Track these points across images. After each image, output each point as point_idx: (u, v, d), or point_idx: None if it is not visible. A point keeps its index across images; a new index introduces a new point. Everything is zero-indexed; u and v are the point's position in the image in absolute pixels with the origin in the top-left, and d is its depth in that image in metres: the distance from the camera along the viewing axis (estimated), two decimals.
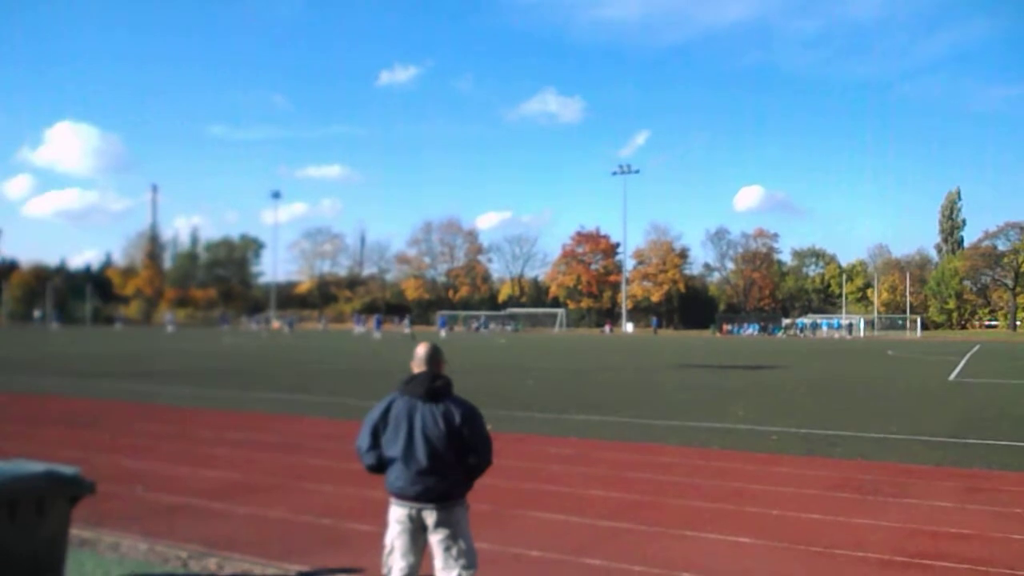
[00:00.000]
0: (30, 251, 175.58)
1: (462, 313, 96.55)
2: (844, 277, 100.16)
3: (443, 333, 69.63)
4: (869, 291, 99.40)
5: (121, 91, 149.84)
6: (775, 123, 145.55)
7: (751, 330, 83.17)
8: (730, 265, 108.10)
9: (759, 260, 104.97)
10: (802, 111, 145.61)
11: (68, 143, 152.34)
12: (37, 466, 4.05)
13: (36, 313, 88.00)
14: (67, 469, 4.14)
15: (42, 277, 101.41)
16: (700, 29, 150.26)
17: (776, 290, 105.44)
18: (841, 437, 12.10)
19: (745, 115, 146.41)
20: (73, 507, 4.20)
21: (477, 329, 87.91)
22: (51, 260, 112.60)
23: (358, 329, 73.26)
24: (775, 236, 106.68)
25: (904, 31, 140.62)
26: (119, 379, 21.11)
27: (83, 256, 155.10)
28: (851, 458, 10.35)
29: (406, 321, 68.17)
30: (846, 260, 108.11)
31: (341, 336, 63.04)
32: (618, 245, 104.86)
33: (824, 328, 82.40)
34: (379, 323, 66.39)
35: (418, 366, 4.20)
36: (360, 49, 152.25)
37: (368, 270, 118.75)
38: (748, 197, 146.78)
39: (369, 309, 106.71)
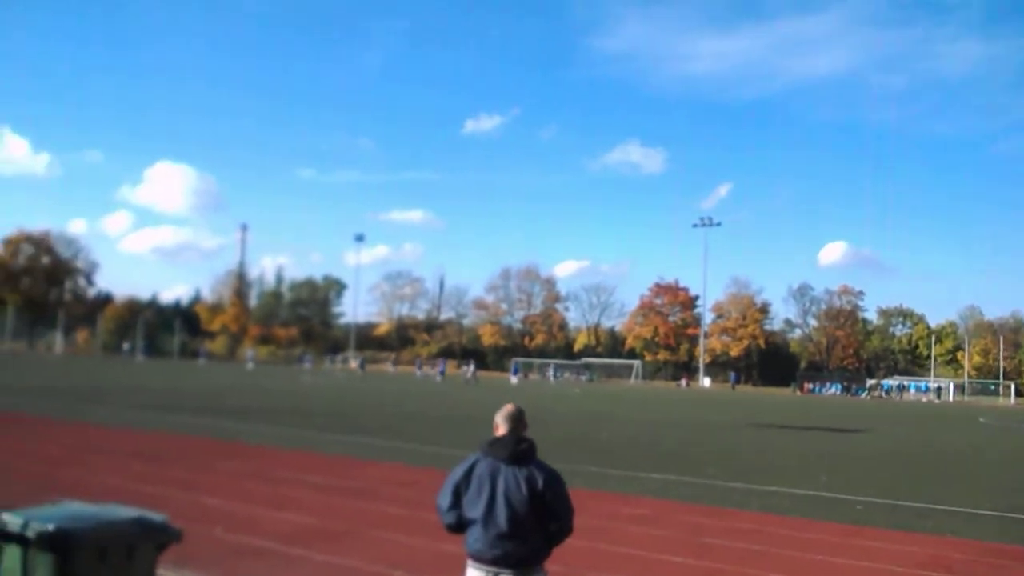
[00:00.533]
0: (125, 285, 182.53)
1: (537, 361, 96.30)
2: (933, 338, 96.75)
3: (515, 380, 69.35)
4: (959, 354, 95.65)
5: (218, 133, 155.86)
6: (862, 179, 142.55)
7: (833, 390, 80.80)
8: (812, 322, 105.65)
9: (843, 318, 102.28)
10: (890, 167, 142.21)
11: (167, 182, 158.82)
12: (128, 512, 4.16)
13: (125, 345, 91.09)
14: (156, 516, 4.24)
15: (134, 310, 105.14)
16: (786, 83, 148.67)
17: (860, 349, 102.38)
18: (931, 510, 11.60)
19: (831, 170, 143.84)
20: (160, 553, 4.29)
21: (551, 378, 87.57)
22: (143, 294, 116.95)
23: (419, 372, 76.18)
24: (860, 294, 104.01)
25: (996, 88, 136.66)
26: (201, 414, 21.61)
27: (174, 291, 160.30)
28: (941, 534, 9.90)
29: (470, 367, 68.25)
30: (935, 321, 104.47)
31: (406, 379, 63.56)
32: (697, 298, 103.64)
33: (912, 391, 79.48)
34: (443, 369, 68.18)
35: (501, 427, 4.18)
36: (447, 98, 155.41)
37: (446, 314, 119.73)
38: (832, 253, 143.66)
39: (445, 353, 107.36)
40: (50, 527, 3.86)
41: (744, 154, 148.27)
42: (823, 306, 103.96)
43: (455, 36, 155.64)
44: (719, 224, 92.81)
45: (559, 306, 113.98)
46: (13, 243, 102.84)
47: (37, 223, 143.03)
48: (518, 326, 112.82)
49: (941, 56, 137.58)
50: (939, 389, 77.87)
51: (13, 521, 3.94)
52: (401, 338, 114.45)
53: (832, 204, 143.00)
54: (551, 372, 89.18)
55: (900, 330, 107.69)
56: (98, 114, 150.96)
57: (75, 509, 4.10)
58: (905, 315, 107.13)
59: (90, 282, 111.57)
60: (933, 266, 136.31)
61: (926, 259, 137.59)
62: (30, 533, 3.87)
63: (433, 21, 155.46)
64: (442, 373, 65.97)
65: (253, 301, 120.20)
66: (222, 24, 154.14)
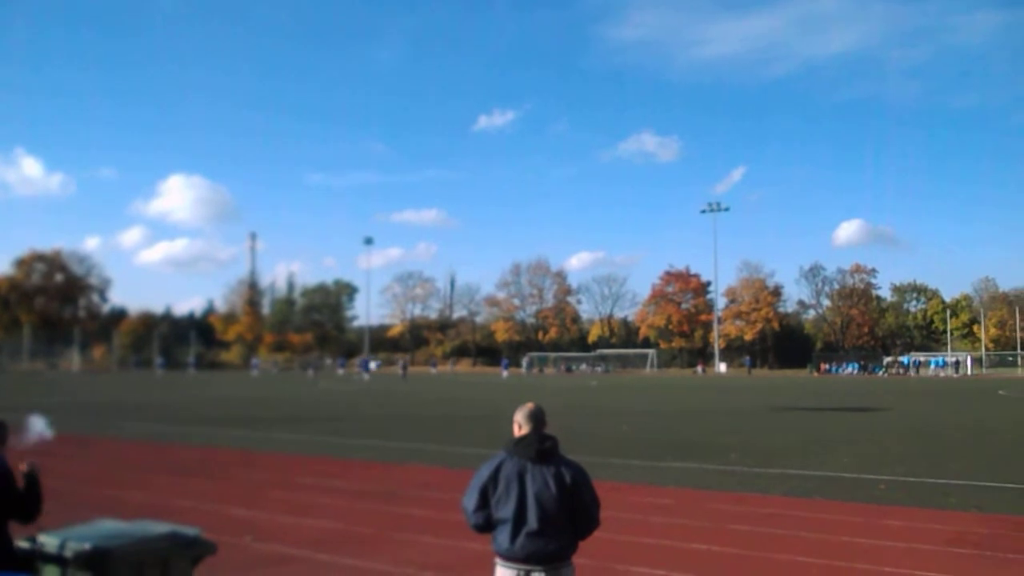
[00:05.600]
0: (139, 299, 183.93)
1: (552, 355, 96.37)
2: (948, 313, 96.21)
3: (505, 374, 69.23)
4: (976, 327, 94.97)
5: (228, 142, 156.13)
6: (878, 155, 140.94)
7: (850, 369, 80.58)
8: (826, 302, 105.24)
9: (856, 296, 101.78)
10: (907, 142, 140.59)
11: (180, 195, 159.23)
12: (161, 528, 4.23)
13: (134, 359, 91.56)
14: (189, 530, 4.30)
15: (149, 324, 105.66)
16: (801, 62, 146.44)
17: (875, 327, 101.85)
18: (954, 487, 11.59)
19: (846, 148, 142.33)
20: (195, 566, 4.36)
21: (568, 370, 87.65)
22: (158, 307, 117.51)
23: (434, 371, 77.58)
24: (873, 271, 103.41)
25: (1016, 58, 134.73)
26: (221, 425, 21.74)
27: (188, 303, 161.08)
28: (966, 510, 9.90)
29: (400, 363, 68.24)
30: (949, 295, 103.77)
31: (417, 379, 63.76)
32: (709, 284, 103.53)
33: (931, 366, 79.10)
34: (366, 364, 70.73)
35: (524, 426, 4.21)
36: (458, 95, 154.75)
37: (458, 313, 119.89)
38: (847, 231, 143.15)
39: (459, 352, 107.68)
40: (87, 546, 3.93)
41: (758, 137, 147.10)
42: (836, 286, 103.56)
43: (464, 33, 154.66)
44: (727, 209, 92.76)
45: (571, 299, 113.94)
46: (26, 263, 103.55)
47: (54, 242, 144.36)
48: (531, 321, 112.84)
49: (957, 29, 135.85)
50: (957, 363, 77.58)
51: (50, 542, 4.02)
52: (415, 339, 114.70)
53: (847, 182, 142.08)
54: (567, 365, 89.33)
55: (915, 306, 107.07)
56: (110, 130, 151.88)
57: (109, 527, 4.16)
58: (919, 290, 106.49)
59: (103, 298, 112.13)
60: (946, 240, 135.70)
61: (939, 233, 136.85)
62: (67, 553, 3.94)
63: (441, 19, 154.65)
64: (366, 368, 67.31)
65: (267, 309, 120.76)
66: (228, 33, 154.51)
